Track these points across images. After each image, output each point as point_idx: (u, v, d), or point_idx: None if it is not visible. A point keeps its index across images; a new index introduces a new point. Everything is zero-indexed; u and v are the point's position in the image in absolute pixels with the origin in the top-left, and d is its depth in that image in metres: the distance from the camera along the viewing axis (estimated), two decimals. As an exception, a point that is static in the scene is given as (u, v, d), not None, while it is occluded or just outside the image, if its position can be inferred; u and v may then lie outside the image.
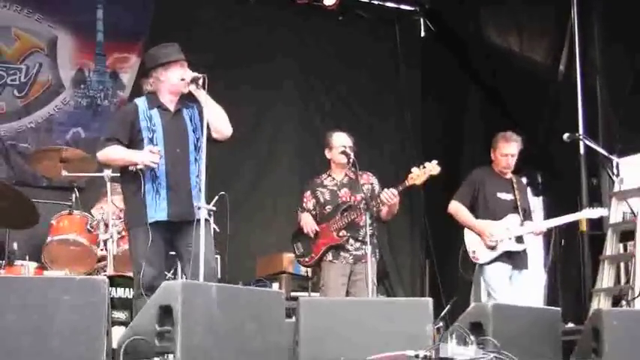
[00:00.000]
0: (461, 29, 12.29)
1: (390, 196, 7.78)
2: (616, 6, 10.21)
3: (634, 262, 8.71)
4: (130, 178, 6.59)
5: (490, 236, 8.22)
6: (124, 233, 7.93)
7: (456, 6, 12.29)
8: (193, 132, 6.59)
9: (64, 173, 8.40)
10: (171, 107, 6.64)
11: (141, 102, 6.67)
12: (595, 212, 8.59)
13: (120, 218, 8.15)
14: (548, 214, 10.22)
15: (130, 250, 6.72)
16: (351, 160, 7.92)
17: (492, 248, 8.23)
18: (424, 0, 12.81)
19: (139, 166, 6.44)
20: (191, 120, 6.63)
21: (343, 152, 8.00)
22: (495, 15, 11.82)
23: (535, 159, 9.68)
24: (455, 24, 12.52)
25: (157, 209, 6.46)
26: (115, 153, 6.56)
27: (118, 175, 7.42)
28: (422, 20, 12.99)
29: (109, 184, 8.00)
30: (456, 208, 8.49)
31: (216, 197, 6.36)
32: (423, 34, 13.02)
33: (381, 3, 12.67)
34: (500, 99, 11.74)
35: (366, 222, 7.65)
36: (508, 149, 8.43)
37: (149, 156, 6.40)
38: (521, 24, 11.50)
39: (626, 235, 9.43)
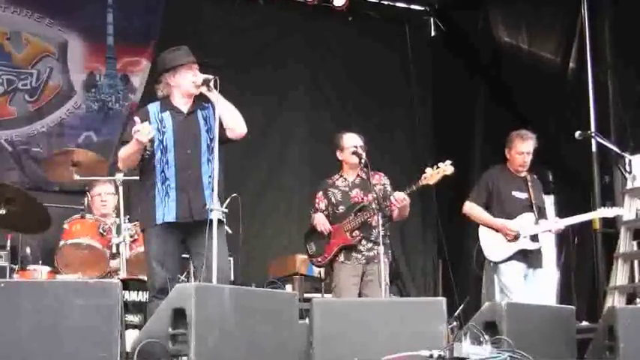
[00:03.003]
0: (470, 28, 12.27)
1: (400, 200, 7.78)
2: (626, 2, 10.19)
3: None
4: (143, 179, 6.64)
5: (512, 229, 8.19)
6: (136, 236, 7.94)
7: (465, 5, 12.28)
8: (207, 132, 6.58)
9: (76, 177, 8.40)
10: (185, 109, 6.65)
11: (153, 106, 6.69)
12: (611, 211, 8.59)
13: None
14: (559, 212, 10.18)
15: (144, 253, 6.74)
16: (362, 161, 7.91)
17: (514, 239, 8.20)
18: (434, 0, 12.80)
19: (147, 148, 6.45)
20: (206, 120, 6.62)
21: (355, 152, 8.00)
22: (505, 14, 11.81)
23: (546, 157, 9.65)
24: (464, 23, 12.51)
25: (166, 210, 6.47)
26: (124, 151, 6.57)
27: (130, 178, 7.48)
28: (432, 20, 12.99)
29: (120, 188, 8.01)
30: (471, 208, 8.48)
31: (229, 199, 6.36)
32: (433, 33, 13.01)
33: (390, 3, 12.67)
34: (510, 97, 11.72)
35: (378, 222, 7.65)
36: (524, 147, 8.41)
37: (138, 134, 6.34)
38: (530, 22, 11.49)
39: (640, 233, 9.42)
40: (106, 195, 8.63)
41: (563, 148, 10.64)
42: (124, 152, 6.56)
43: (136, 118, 6.42)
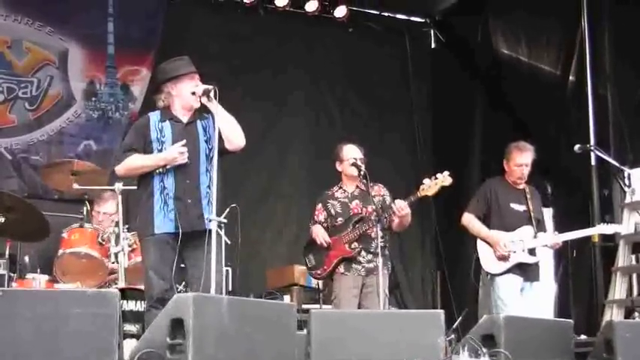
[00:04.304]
0: (470, 40, 12.29)
1: (401, 208, 7.77)
2: (626, 15, 10.20)
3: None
4: (142, 188, 6.62)
5: (504, 247, 8.18)
6: (135, 246, 7.93)
7: (465, 17, 12.30)
8: (206, 142, 6.58)
9: (76, 186, 8.41)
10: (184, 119, 6.65)
11: (154, 115, 6.70)
12: (610, 228, 8.56)
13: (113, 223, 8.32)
14: (558, 225, 10.20)
15: (142, 262, 6.73)
16: (362, 172, 7.90)
17: (503, 259, 8.20)
18: (434, 11, 12.82)
19: (167, 167, 6.45)
20: (205, 130, 6.63)
21: (354, 164, 7.99)
22: (504, 25, 11.82)
23: (545, 170, 9.65)
24: (464, 35, 12.53)
25: (165, 221, 6.46)
26: (137, 161, 6.56)
27: (130, 187, 7.47)
28: (432, 31, 13.01)
29: (120, 197, 8.00)
30: (469, 220, 8.46)
31: (227, 209, 6.35)
32: (433, 45, 13.03)
33: (391, 14, 12.70)
34: (510, 109, 11.72)
35: (377, 234, 7.64)
36: (522, 159, 8.39)
37: (176, 153, 6.41)
38: (530, 34, 11.50)
39: (638, 247, 9.40)
40: (102, 215, 8.66)
41: (563, 160, 10.64)
42: (137, 163, 6.56)
43: (181, 142, 6.48)
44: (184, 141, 6.49)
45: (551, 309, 10.64)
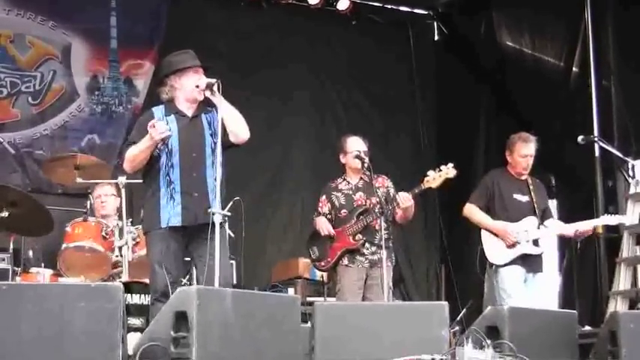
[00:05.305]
0: (474, 32, 12.25)
1: (404, 200, 7.77)
2: (630, 8, 10.18)
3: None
4: (147, 182, 6.63)
5: (511, 233, 8.14)
6: (139, 239, 7.94)
7: (469, 9, 12.27)
8: (211, 136, 6.57)
9: (79, 180, 8.42)
10: (189, 113, 6.64)
11: (158, 109, 6.69)
12: (614, 219, 8.54)
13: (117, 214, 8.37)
14: (563, 216, 10.18)
15: (147, 256, 6.73)
16: (365, 165, 7.90)
17: (513, 246, 8.15)
18: (437, 4, 12.79)
19: (159, 147, 6.45)
20: (210, 124, 6.61)
21: (358, 157, 7.99)
22: (508, 18, 11.78)
23: (549, 161, 9.63)
24: (468, 27, 12.49)
25: (172, 214, 6.45)
26: (133, 151, 6.53)
27: (133, 181, 7.48)
28: (435, 24, 12.98)
29: (123, 191, 8.00)
30: (470, 210, 8.44)
31: (231, 202, 6.35)
32: (436, 37, 13.00)
33: (394, 7, 12.65)
34: (513, 101, 11.71)
35: (381, 226, 7.63)
36: (527, 150, 8.36)
37: (153, 130, 6.37)
38: (534, 26, 11.47)
39: (643, 238, 9.41)
40: (105, 197, 8.66)
41: (566, 152, 10.61)
42: (133, 152, 6.53)
43: (156, 119, 6.47)
44: (163, 120, 6.50)
45: (555, 300, 10.63)
